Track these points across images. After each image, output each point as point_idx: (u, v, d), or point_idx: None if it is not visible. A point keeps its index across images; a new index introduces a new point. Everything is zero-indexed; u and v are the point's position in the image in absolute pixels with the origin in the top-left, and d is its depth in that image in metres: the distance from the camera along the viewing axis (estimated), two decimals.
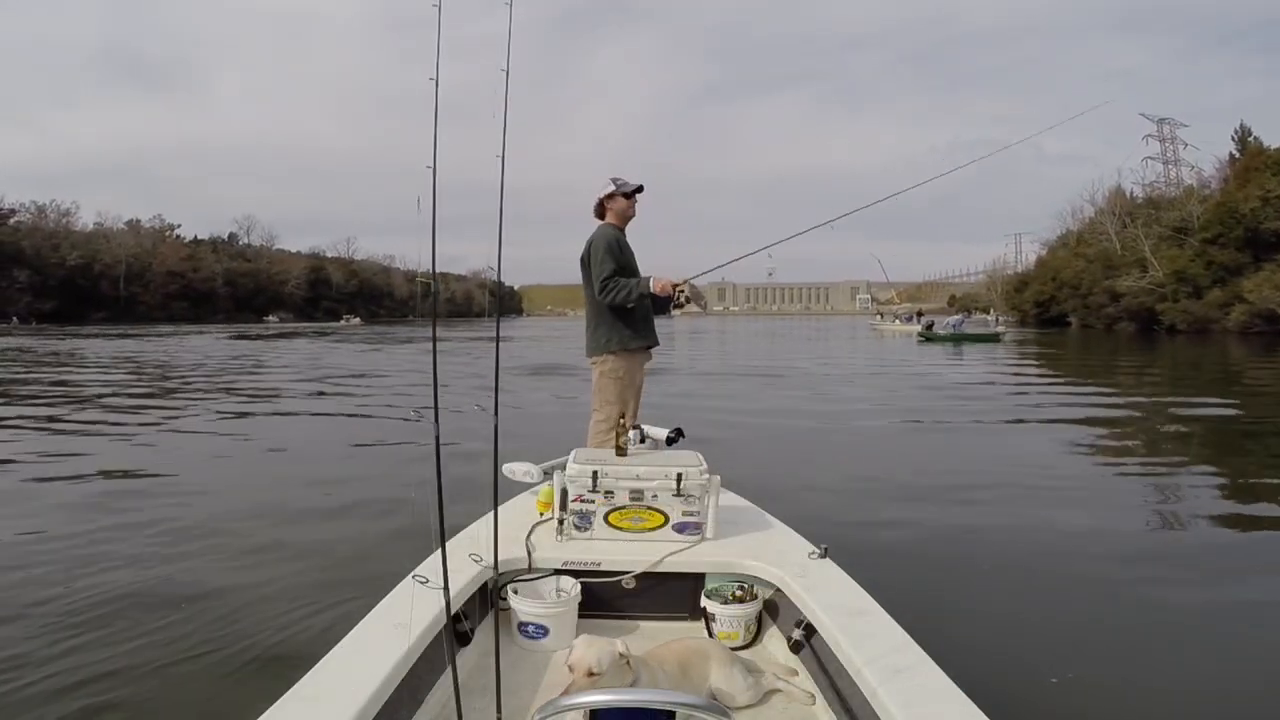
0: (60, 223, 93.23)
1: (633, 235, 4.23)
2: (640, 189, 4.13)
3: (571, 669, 2.06)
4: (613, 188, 4.07)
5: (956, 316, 45.41)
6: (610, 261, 3.91)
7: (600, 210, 4.13)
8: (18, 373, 20.19)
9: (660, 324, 4.29)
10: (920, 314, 54.54)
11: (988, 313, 75.79)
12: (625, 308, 3.97)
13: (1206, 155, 77.98)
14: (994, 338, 37.66)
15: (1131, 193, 64.89)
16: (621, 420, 3.36)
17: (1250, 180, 45.89)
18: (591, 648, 2.09)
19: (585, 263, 4.03)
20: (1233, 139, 55.26)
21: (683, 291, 4.00)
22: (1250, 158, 49.25)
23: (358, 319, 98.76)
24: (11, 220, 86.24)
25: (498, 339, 2.31)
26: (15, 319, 71.07)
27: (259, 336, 46.23)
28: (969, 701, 1.88)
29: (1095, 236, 61.73)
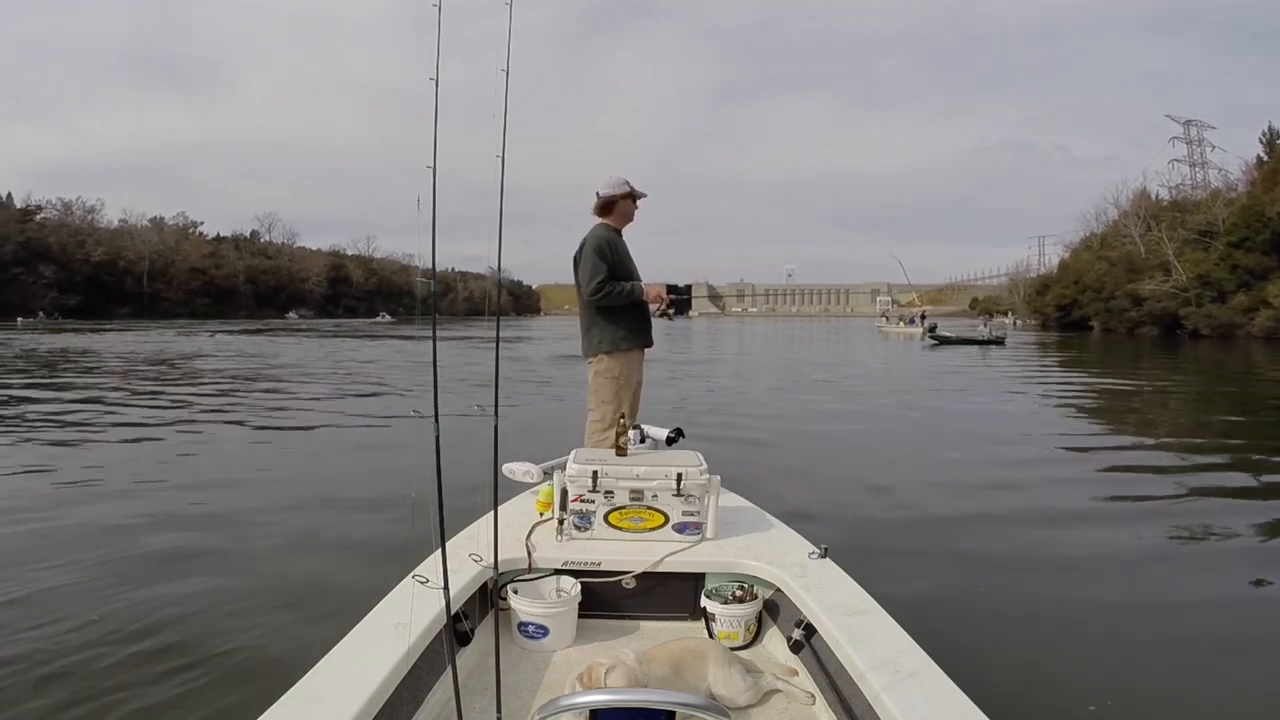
0: (85, 219, 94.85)
1: (634, 234, 4.26)
2: (645, 196, 4.17)
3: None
4: (627, 189, 4.09)
5: (982, 326, 44.00)
6: (602, 264, 3.93)
7: (606, 209, 4.12)
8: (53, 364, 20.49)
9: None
10: (924, 316, 53.70)
11: (1006, 316, 75.22)
12: (619, 308, 4.01)
13: (1233, 157, 76.95)
14: (998, 341, 36.89)
15: (1157, 195, 64.23)
16: (621, 420, 3.36)
17: (1278, 183, 45.21)
18: (620, 665, 2.09)
19: (577, 263, 4.06)
20: (1260, 141, 54.58)
21: (671, 304, 4.07)
22: (1278, 160, 48.55)
23: (391, 317, 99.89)
24: (38, 217, 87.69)
25: (497, 339, 2.32)
26: (41, 314, 72.17)
27: (331, 334, 46.55)
28: (970, 703, 1.88)
29: (1119, 239, 61.00)
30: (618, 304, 3.98)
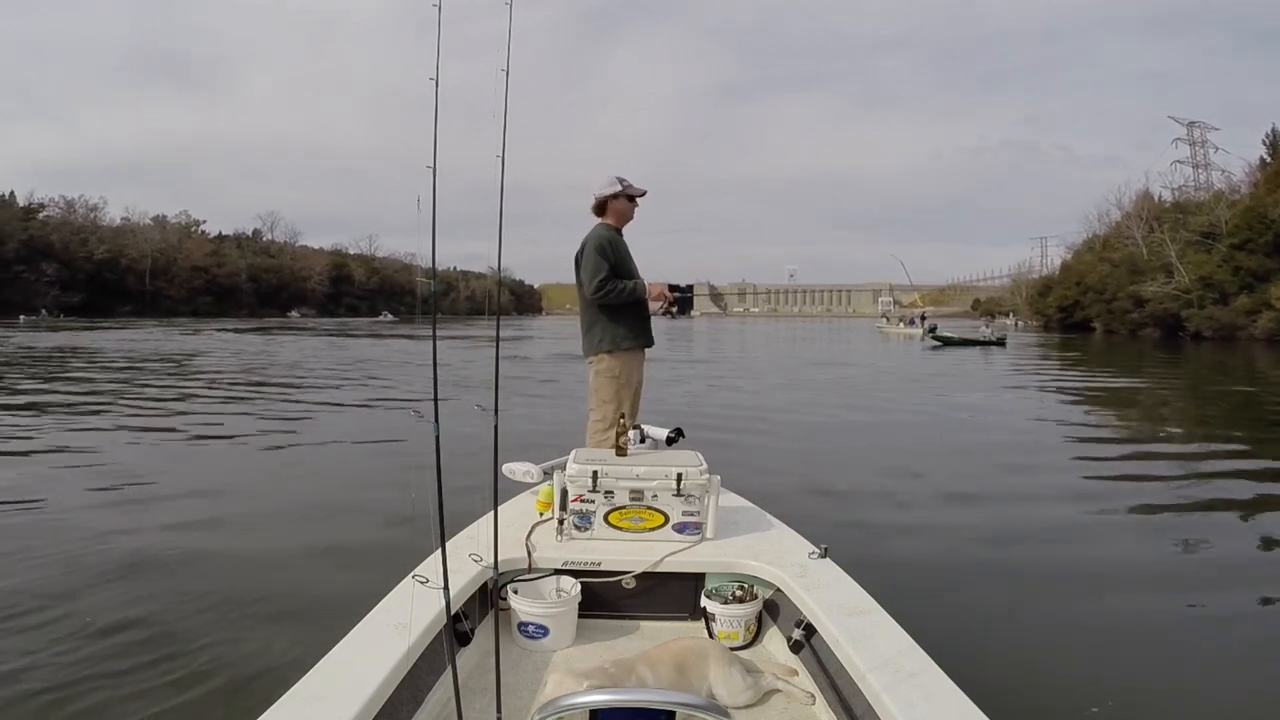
0: (88, 218, 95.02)
1: (633, 234, 4.26)
2: (643, 194, 4.15)
3: None
4: (618, 187, 4.06)
5: (985, 327, 43.89)
6: (604, 263, 3.92)
7: (600, 208, 4.12)
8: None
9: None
10: (924, 317, 54.00)
11: (1008, 317, 75.25)
12: (620, 307, 4.00)
13: (1236, 159, 76.80)
14: (999, 342, 36.87)
15: (1159, 196, 64.19)
16: (622, 420, 3.35)
17: None
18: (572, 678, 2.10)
19: (578, 262, 4.05)
20: (1263, 143, 54.45)
21: (674, 303, 4.07)
22: None
23: (393, 316, 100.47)
24: (41, 215, 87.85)
25: (497, 339, 2.32)
26: (44, 312, 72.32)
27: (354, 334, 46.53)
28: (970, 703, 1.88)
29: (1121, 241, 60.96)
30: (620, 302, 3.97)
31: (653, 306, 4.13)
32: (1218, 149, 68.93)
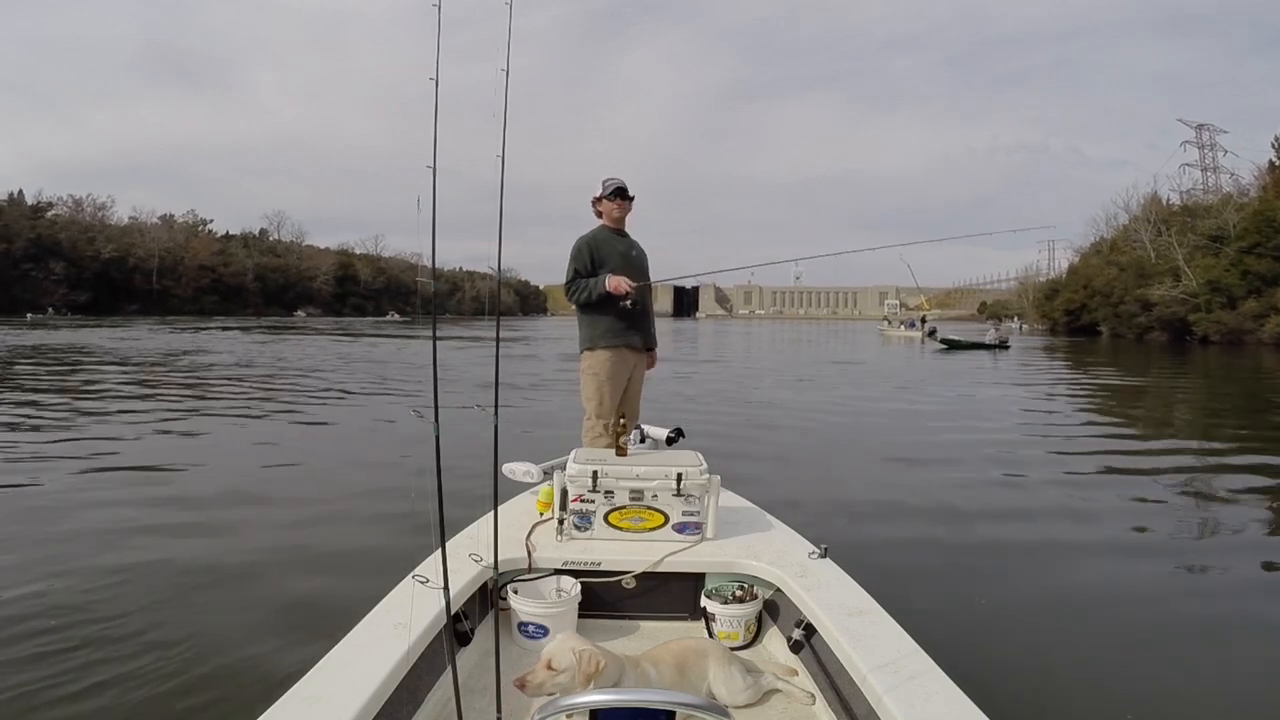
0: (96, 216, 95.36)
1: (650, 235, 4.32)
2: (620, 189, 4.21)
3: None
4: (599, 190, 4.24)
5: (992, 331, 43.86)
6: (572, 266, 4.16)
7: (596, 213, 4.30)
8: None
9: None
10: (924, 320, 54.16)
11: (1014, 320, 75.20)
12: (598, 306, 4.14)
13: (1245, 162, 76.67)
14: (1003, 345, 36.85)
15: (1167, 199, 64.00)
16: (622, 420, 3.37)
17: None
18: (563, 645, 2.14)
19: None
20: (1272, 146, 54.11)
21: (631, 296, 4.10)
22: None
23: (400, 315, 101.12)
24: (49, 214, 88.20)
25: (497, 339, 2.33)
26: (50, 310, 72.65)
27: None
28: (970, 702, 1.88)
29: (1129, 244, 60.72)
30: (588, 300, 4.14)
31: (615, 296, 4.13)
32: (1226, 152, 69.01)
